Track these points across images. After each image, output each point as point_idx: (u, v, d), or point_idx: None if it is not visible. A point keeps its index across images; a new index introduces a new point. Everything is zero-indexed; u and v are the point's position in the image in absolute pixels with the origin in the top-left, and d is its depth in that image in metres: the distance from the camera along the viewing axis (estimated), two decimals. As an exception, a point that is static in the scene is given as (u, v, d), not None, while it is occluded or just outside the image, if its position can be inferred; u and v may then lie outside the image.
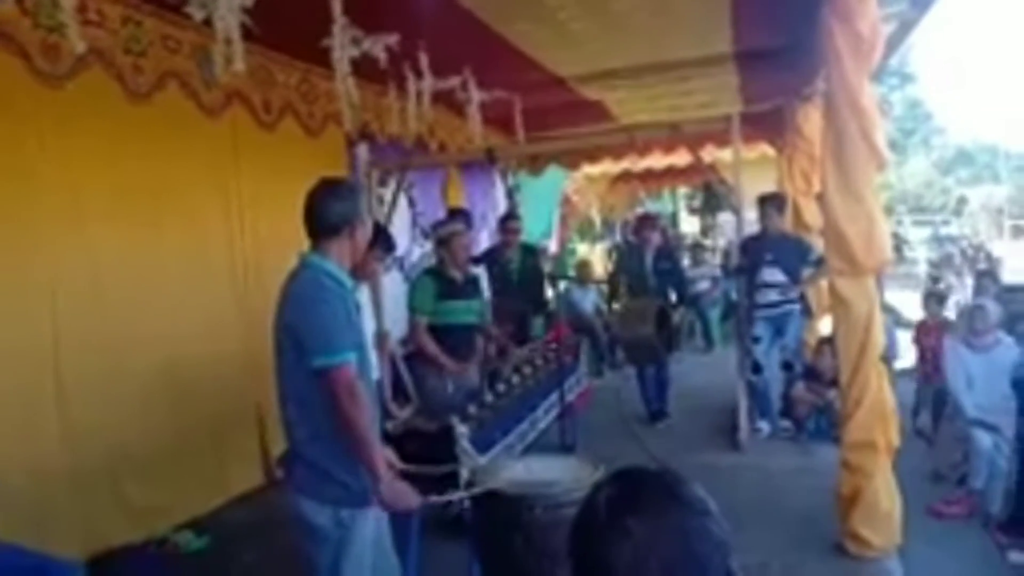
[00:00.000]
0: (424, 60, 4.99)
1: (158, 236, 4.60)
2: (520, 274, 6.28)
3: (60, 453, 3.93)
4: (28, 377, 3.80)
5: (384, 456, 2.45)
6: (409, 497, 2.45)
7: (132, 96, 4.22)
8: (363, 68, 4.09)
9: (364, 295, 3.98)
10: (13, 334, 3.74)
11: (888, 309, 7.15)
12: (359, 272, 3.28)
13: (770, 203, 6.00)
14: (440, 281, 4.53)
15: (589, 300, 9.41)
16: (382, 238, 4.31)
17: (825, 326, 6.01)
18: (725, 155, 7.69)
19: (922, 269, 17.90)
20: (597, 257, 13.52)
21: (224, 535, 4.45)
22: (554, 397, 4.20)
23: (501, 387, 3.93)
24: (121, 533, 4.14)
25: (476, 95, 5.83)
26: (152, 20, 4.26)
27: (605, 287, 8.89)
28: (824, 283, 5.13)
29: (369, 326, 3.56)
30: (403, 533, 2.76)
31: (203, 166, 4.99)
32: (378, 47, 4.23)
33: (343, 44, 3.89)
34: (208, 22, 3.27)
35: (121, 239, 4.36)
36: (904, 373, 6.57)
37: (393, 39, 4.25)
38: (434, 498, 2.67)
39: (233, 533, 4.46)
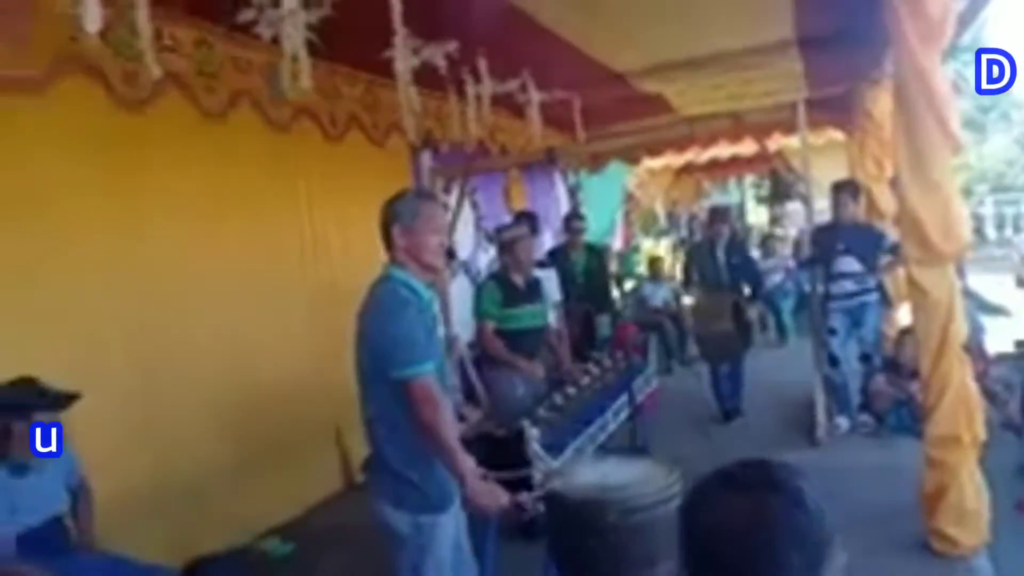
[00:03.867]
0: (483, 64, 5.03)
1: (234, 249, 4.76)
2: (585, 275, 6.27)
3: (145, 465, 4.04)
4: (116, 395, 3.93)
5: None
6: (497, 495, 2.47)
7: (206, 115, 4.37)
8: (424, 76, 4.14)
9: (435, 302, 4.05)
10: (106, 355, 3.89)
11: (970, 294, 6.84)
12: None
13: (844, 190, 5.84)
14: (505, 286, 4.56)
15: (660, 295, 9.42)
16: None
17: (905, 316, 5.80)
18: (792, 142, 7.50)
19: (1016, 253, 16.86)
20: (663, 252, 13.39)
21: (309, 541, 4.55)
22: (623, 398, 4.17)
23: (571, 389, 3.93)
24: (207, 542, 4.23)
25: (535, 96, 5.84)
26: (222, 43, 4.41)
27: (678, 282, 8.85)
28: (902, 271, 4.96)
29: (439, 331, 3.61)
30: (481, 536, 2.79)
31: (273, 181, 5.14)
32: (438, 55, 4.28)
33: (404, 54, 3.95)
34: (276, 40, 3.38)
35: (194, 253, 4.48)
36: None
37: (452, 46, 4.30)
38: (523, 496, 2.68)
39: (318, 538, 4.57)
